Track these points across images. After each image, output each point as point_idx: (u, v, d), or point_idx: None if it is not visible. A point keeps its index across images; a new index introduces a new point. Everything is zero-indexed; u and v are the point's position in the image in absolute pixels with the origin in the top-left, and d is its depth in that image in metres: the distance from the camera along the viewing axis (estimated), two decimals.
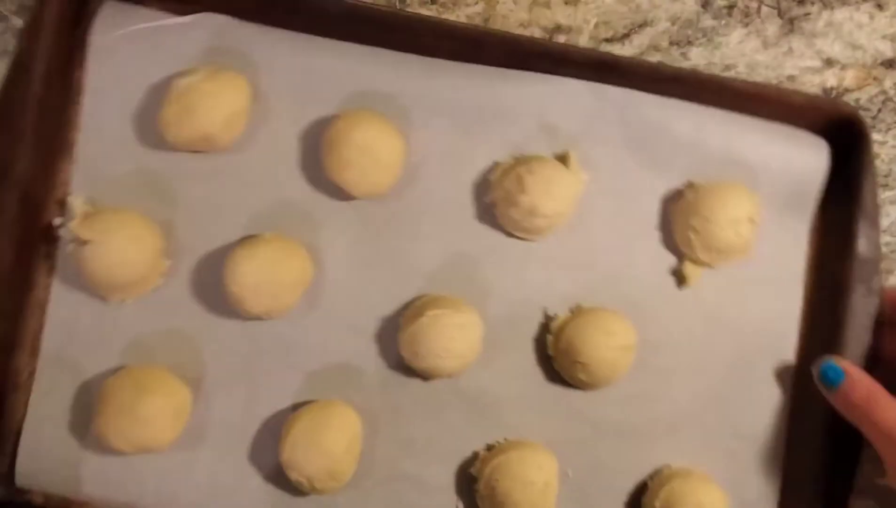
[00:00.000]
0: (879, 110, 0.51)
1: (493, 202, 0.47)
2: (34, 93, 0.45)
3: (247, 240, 0.46)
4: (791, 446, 0.48)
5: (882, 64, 0.51)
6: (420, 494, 0.47)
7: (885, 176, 0.51)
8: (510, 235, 0.48)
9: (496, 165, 0.48)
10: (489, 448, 0.47)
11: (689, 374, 0.48)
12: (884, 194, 0.51)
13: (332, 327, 0.47)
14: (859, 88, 0.51)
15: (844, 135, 0.48)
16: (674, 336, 0.48)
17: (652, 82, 0.48)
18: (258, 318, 0.46)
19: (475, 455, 0.47)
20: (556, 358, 0.47)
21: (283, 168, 0.48)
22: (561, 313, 0.48)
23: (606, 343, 0.45)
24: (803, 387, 0.48)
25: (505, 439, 0.47)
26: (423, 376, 0.47)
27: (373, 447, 0.47)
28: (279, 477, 0.46)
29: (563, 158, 0.48)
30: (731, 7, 0.51)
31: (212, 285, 0.47)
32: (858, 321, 0.47)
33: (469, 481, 0.47)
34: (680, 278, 0.48)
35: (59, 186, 0.48)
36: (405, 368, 0.47)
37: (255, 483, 0.47)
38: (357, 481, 0.46)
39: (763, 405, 0.48)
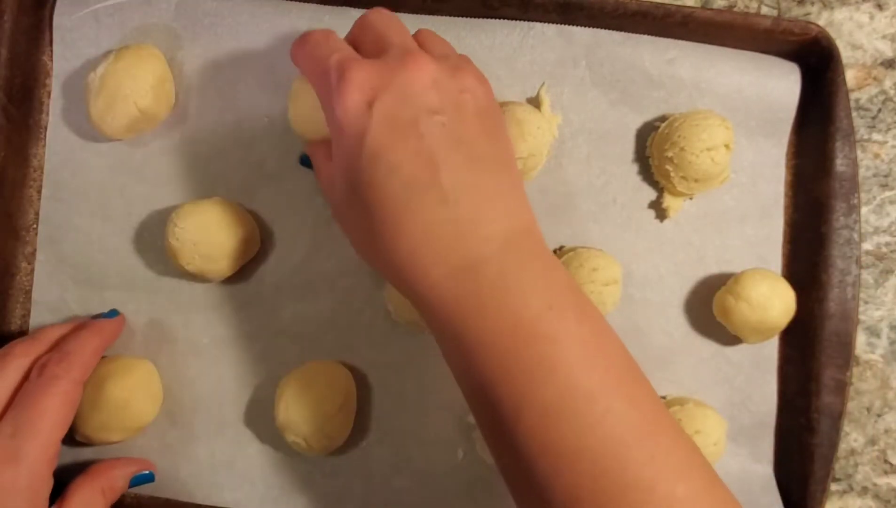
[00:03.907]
0: (879, 110, 0.50)
1: None
2: (1, 77, 0.45)
3: (194, 200, 0.46)
4: (784, 367, 0.48)
5: (882, 64, 0.51)
6: (419, 447, 0.47)
7: (886, 176, 0.50)
8: None
9: None
10: None
11: (676, 305, 0.48)
12: (883, 194, 0.51)
13: (313, 288, 0.47)
14: (859, 88, 0.51)
15: (814, 56, 0.48)
16: (659, 269, 0.48)
17: (617, 19, 0.47)
18: (197, 277, 0.46)
19: None
20: None
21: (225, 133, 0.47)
22: None
23: (591, 279, 0.45)
24: None
25: None
26: (411, 328, 0.47)
27: (367, 404, 0.47)
28: (277, 441, 0.46)
29: (535, 102, 0.48)
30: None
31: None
32: (842, 237, 0.47)
33: (468, 429, 0.47)
34: (660, 210, 0.48)
35: (33, 171, 0.48)
36: (392, 322, 0.47)
37: (254, 450, 0.47)
38: (355, 439, 0.47)
39: None
